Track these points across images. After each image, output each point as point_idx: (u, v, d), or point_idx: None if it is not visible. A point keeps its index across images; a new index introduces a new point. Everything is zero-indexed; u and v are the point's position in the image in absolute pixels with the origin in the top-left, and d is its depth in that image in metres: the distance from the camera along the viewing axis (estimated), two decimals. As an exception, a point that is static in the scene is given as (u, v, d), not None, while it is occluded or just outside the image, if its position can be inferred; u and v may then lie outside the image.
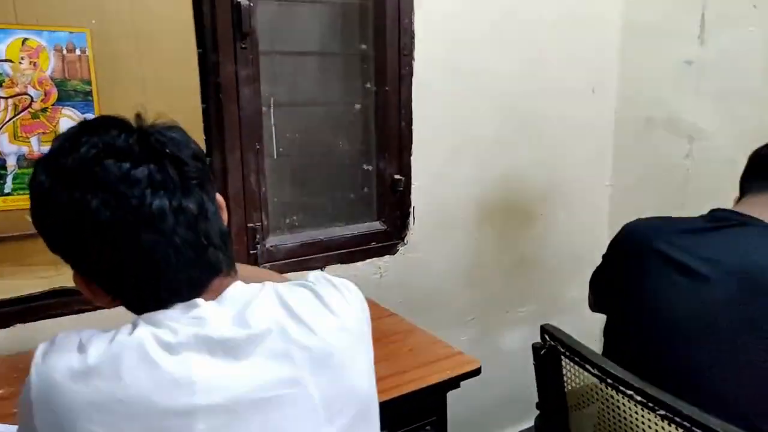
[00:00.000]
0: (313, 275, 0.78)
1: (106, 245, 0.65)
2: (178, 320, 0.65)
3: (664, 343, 1.10)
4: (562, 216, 2.20)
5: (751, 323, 1.00)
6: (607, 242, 1.32)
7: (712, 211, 1.17)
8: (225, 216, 0.75)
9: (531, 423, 2.14)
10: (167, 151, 0.67)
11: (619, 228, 1.27)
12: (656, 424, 0.95)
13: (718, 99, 1.93)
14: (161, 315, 0.66)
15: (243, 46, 1.48)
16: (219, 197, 0.74)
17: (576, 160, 2.18)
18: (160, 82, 1.38)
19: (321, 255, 1.70)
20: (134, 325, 0.65)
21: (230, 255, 0.73)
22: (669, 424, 0.92)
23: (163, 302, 0.67)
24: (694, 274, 1.07)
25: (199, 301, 0.67)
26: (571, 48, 2.06)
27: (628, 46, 2.17)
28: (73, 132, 0.68)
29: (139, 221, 0.64)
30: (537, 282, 2.21)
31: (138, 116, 0.70)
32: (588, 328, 2.06)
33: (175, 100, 1.41)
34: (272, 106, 1.59)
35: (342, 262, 1.74)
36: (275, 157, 1.62)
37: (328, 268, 1.72)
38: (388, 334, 1.40)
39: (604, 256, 1.34)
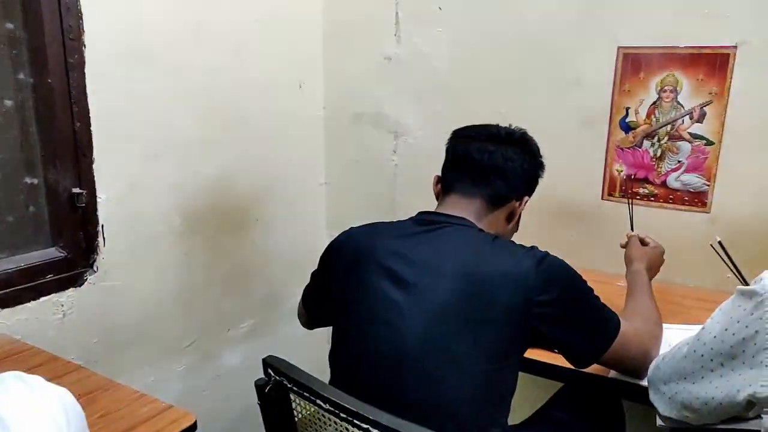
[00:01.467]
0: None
1: None
2: None
3: (385, 359, 1.02)
4: (279, 219, 2.07)
5: (466, 327, 0.98)
6: (326, 243, 1.22)
7: (419, 213, 1.15)
8: None
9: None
10: None
11: (336, 228, 1.18)
12: (394, 452, 0.87)
13: (416, 95, 2.01)
14: None
15: None
16: None
17: (288, 158, 2.08)
18: None
19: (-31, 302, 1.27)
20: None
21: None
22: (407, 452, 0.85)
23: None
24: (407, 282, 1.02)
25: None
26: (275, 42, 1.94)
27: (331, 41, 2.13)
28: None
29: None
30: (258, 291, 2.05)
31: None
32: (315, 333, 1.99)
33: None
34: None
35: (4, 306, 1.33)
36: None
37: (-17, 316, 1.30)
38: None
39: (313, 274, 1.24)
